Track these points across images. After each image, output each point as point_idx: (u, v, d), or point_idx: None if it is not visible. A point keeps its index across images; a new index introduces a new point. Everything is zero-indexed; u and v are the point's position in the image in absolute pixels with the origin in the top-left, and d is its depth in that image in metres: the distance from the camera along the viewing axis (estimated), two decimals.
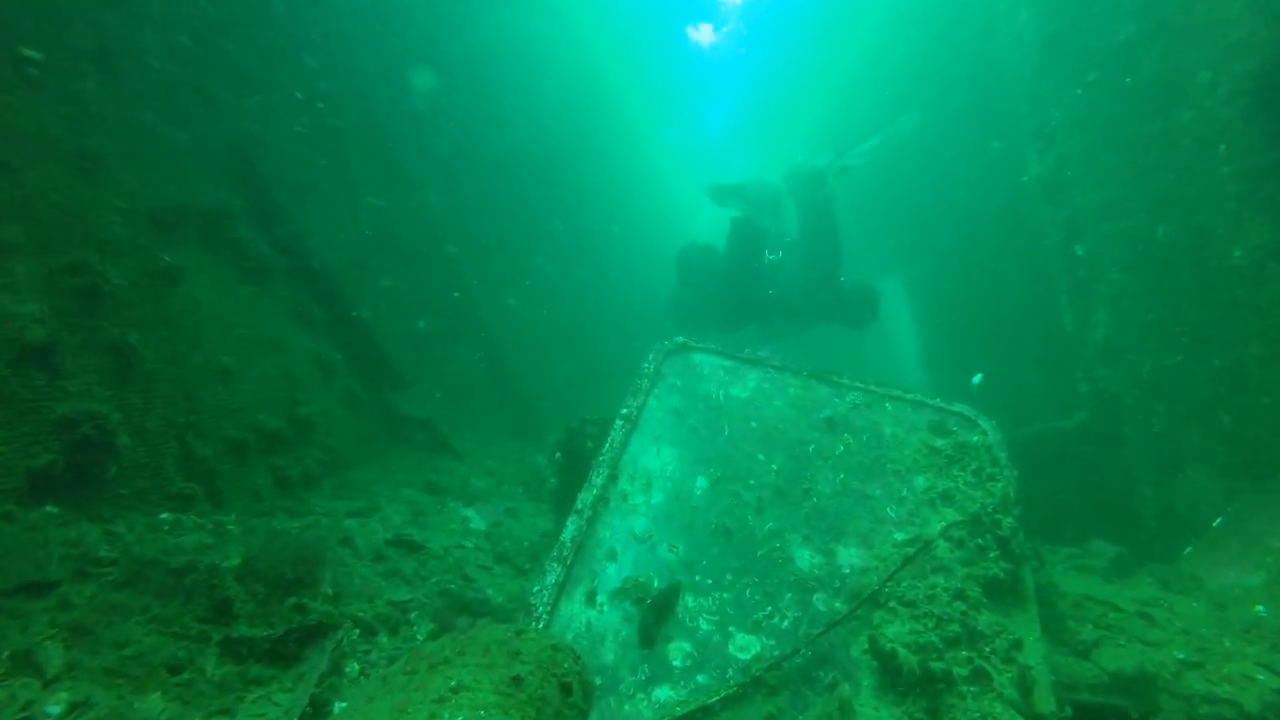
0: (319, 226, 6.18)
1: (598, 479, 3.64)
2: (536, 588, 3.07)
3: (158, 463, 3.48)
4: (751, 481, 3.74)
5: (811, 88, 15.74)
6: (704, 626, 3.03)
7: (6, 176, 3.31)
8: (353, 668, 2.68)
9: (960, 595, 2.99)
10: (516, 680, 1.40)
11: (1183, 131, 4.51)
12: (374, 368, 6.60)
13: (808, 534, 3.47)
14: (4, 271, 3.15)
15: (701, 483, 3.73)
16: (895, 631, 2.91)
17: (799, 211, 8.48)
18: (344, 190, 7.05)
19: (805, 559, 3.36)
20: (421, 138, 9.05)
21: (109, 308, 3.46)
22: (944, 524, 3.47)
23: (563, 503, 5.02)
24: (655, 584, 3.17)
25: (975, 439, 3.91)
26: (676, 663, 2.87)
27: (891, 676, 2.75)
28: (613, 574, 3.21)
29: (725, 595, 3.17)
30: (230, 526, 3.52)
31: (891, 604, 3.06)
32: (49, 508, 2.90)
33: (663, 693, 2.76)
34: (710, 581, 3.22)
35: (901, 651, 2.75)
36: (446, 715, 1.28)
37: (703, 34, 24.41)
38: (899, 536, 3.46)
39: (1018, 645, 2.88)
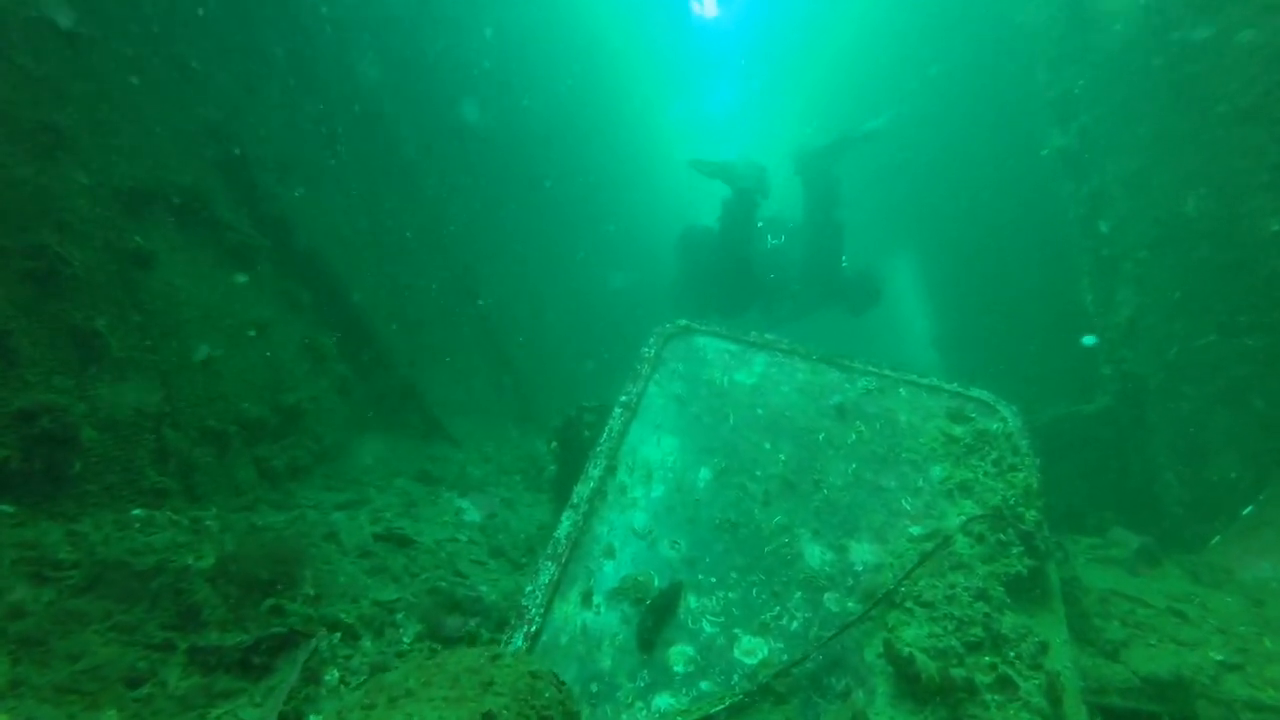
0: (306, 206, 5.98)
1: (595, 471, 3.47)
2: (529, 588, 2.91)
3: (129, 456, 3.33)
4: (758, 473, 3.57)
5: (819, 55, 15.38)
6: (707, 629, 2.87)
7: None
8: (332, 676, 2.53)
9: (982, 595, 2.82)
10: (489, 717, 1.23)
11: (1218, 98, 4.27)
12: (367, 352, 6.43)
13: (818, 528, 3.31)
14: None
15: (705, 474, 3.56)
16: (912, 634, 2.74)
17: (804, 192, 8.35)
18: (333, 169, 6.85)
19: (815, 555, 3.19)
20: (416, 113, 8.82)
21: (71, 292, 3.29)
22: (963, 518, 3.30)
23: (561, 492, 4.87)
24: (655, 583, 3.02)
25: (995, 426, 3.73)
26: (678, 668, 2.72)
27: (909, 684, 2.58)
28: (610, 572, 3.06)
29: (730, 595, 3.01)
30: (208, 523, 3.37)
31: (908, 604, 2.89)
32: (4, 506, 2.75)
33: (663, 701, 2.61)
34: (714, 580, 3.06)
35: (920, 657, 2.59)
36: None
37: (707, 6, 23.90)
38: (915, 531, 3.30)
39: (1044, 648, 2.72)
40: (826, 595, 3.02)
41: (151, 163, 4.17)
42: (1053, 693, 2.45)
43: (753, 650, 2.81)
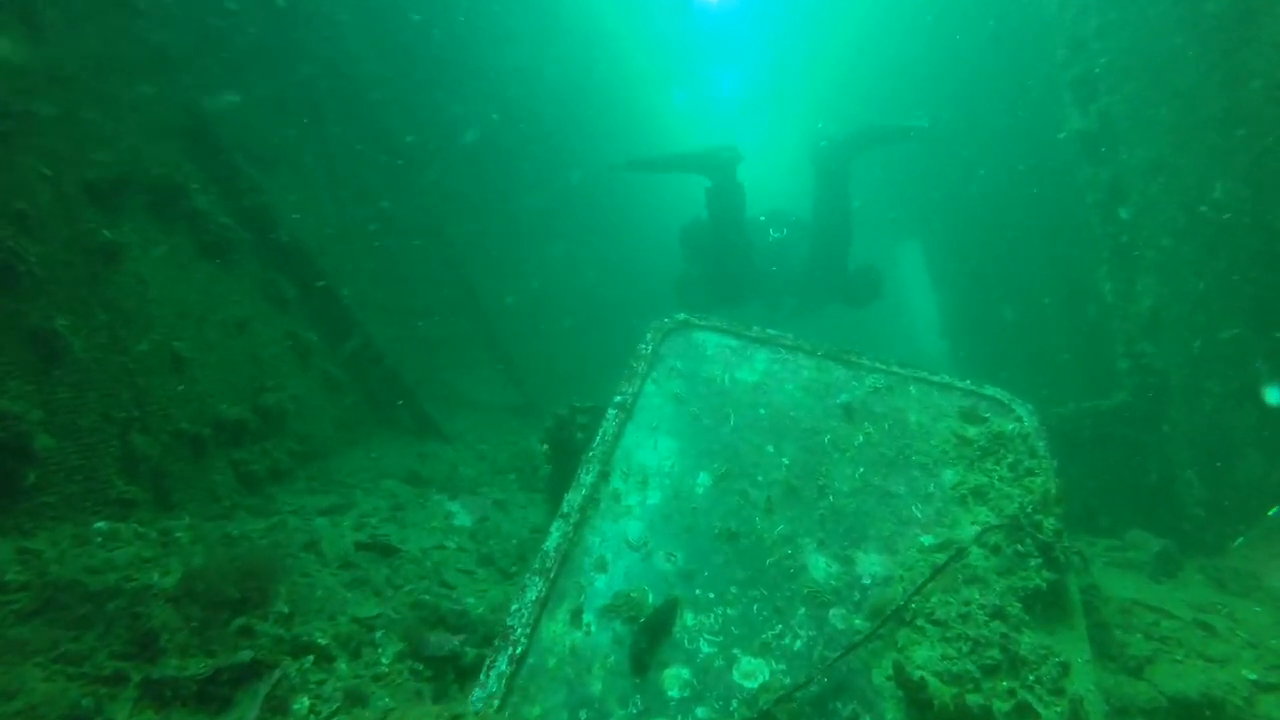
0: (292, 197, 5.82)
1: (587, 477, 3.32)
2: (515, 605, 2.76)
3: (93, 465, 3.18)
4: (760, 478, 3.40)
5: (827, 38, 15.10)
6: (705, 649, 2.72)
7: None
8: (302, 704, 2.39)
9: (999, 613, 2.66)
10: None
11: (1252, 73, 4.06)
12: (357, 348, 6.27)
13: (823, 538, 3.14)
14: None
15: (704, 480, 3.39)
16: (924, 656, 2.59)
17: (816, 184, 8.16)
18: (322, 159, 6.67)
19: (820, 567, 3.04)
20: (410, 100, 8.63)
21: (29, 289, 3.13)
22: (976, 526, 3.13)
23: (555, 494, 4.72)
24: (650, 599, 2.86)
25: (1010, 427, 3.56)
26: (673, 693, 2.57)
27: (920, 710, 2.43)
28: (602, 587, 2.90)
29: (729, 611, 2.85)
30: (179, 534, 3.22)
31: (919, 621, 2.73)
32: None
33: None
34: (712, 595, 2.90)
35: (932, 682, 2.43)
36: None
37: None
38: (926, 541, 3.13)
39: (1065, 670, 2.56)
40: (832, 611, 2.87)
41: (122, 151, 4.00)
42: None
43: (753, 672, 2.65)
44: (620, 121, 15.32)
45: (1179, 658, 2.99)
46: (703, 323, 4.19)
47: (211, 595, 2.63)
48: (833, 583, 2.97)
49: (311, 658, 2.63)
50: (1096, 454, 5.36)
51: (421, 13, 8.74)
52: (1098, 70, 4.87)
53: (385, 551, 3.75)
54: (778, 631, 2.77)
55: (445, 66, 9.24)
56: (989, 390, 3.87)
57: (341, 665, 2.69)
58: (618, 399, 3.71)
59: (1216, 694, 2.72)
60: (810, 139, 8.36)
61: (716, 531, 3.14)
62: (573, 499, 3.21)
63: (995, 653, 2.52)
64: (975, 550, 2.93)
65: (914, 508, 3.30)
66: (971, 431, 3.57)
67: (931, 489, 3.38)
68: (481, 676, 2.55)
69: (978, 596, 2.74)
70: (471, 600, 3.56)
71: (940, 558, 2.98)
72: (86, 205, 3.59)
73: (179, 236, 4.31)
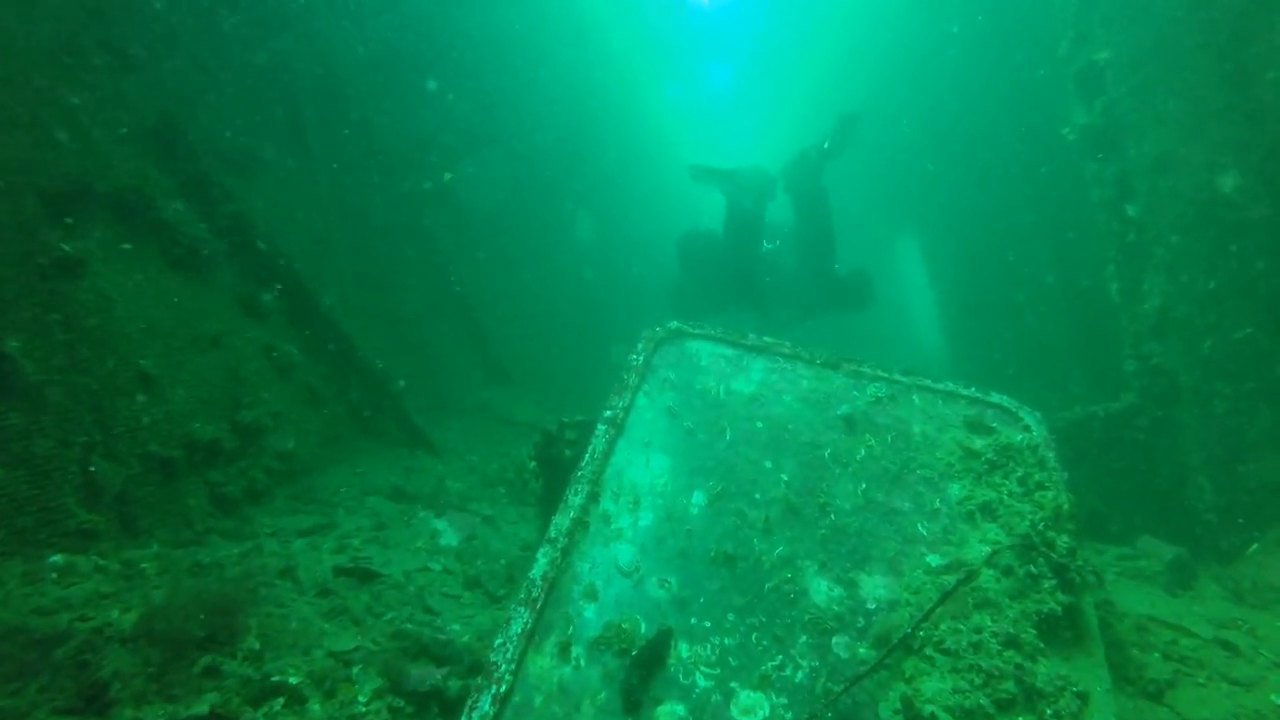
0: (270, 204, 5.66)
1: (575, 499, 3.18)
2: (499, 640, 2.63)
3: (48, 494, 3.04)
4: (758, 496, 3.27)
5: (821, 32, 14.98)
6: (701, 683, 2.58)
7: None
8: None
9: (1012, 641, 2.53)
10: None
11: (1265, 65, 3.94)
12: (339, 359, 6.12)
13: (825, 560, 3.01)
14: None
15: (699, 499, 3.26)
16: (934, 688, 2.45)
17: (793, 199, 8.43)
18: (301, 163, 6.51)
19: (822, 591, 2.90)
20: (391, 99, 8.46)
21: None
22: (986, 545, 3.01)
23: (547, 509, 4.58)
24: (642, 629, 2.73)
25: (1019, 438, 3.42)
26: None
27: None
28: (592, 617, 2.77)
29: (727, 641, 2.72)
30: (144, 565, 3.08)
31: (928, 650, 2.60)
32: None
33: None
34: (709, 624, 2.77)
35: (944, 718, 2.29)
36: None
37: None
38: (933, 561, 3.01)
39: (1084, 701, 2.43)
40: (835, 639, 2.74)
41: (83, 160, 3.84)
42: None
43: (752, 708, 2.52)
44: (611, 117, 15.17)
45: (1201, 681, 2.87)
46: (696, 331, 4.05)
47: (174, 634, 2.49)
48: (835, 608, 2.84)
49: (281, 700, 2.48)
50: (1104, 458, 5.24)
51: (403, 12, 8.58)
52: (1103, 63, 4.75)
53: (366, 577, 3.61)
54: (778, 662, 2.64)
55: (430, 65, 9.09)
56: (995, 398, 3.74)
57: (314, 706, 2.55)
58: (607, 413, 3.58)
59: None
60: (785, 160, 8.57)
61: (712, 555, 3.01)
62: (560, 522, 3.08)
63: (1010, 685, 2.39)
64: (985, 572, 2.79)
65: (919, 525, 3.17)
66: (978, 443, 3.44)
67: (937, 505, 3.25)
68: (463, 718, 2.42)
69: (989, 623, 2.61)
70: (457, 627, 3.42)
71: (948, 580, 2.85)
72: (43, 217, 3.44)
73: (147, 248, 4.16)
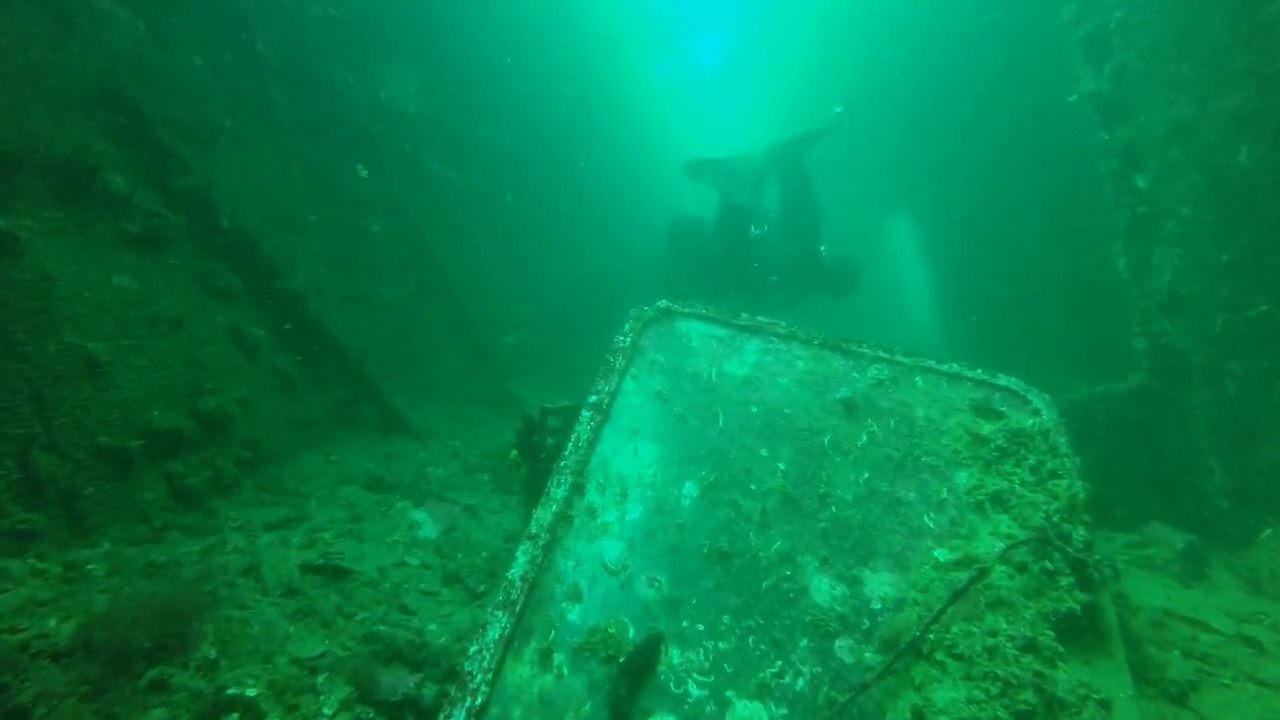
0: (233, 178, 5.37)
1: (558, 490, 2.99)
2: (475, 647, 2.43)
3: None
4: (753, 486, 3.09)
5: (811, 3, 14.64)
6: (694, 691, 2.41)
7: None
8: None
9: (1030, 646, 2.36)
10: None
11: None
12: (312, 342, 5.87)
13: (826, 556, 2.84)
14: None
15: (690, 490, 3.07)
16: (946, 698, 2.29)
17: (778, 185, 8.70)
18: (269, 134, 6.21)
19: (824, 590, 2.73)
20: (369, 69, 8.13)
21: None
22: (998, 538, 2.85)
23: (532, 498, 4.40)
24: (630, 634, 2.55)
25: (1029, 422, 3.25)
26: None
27: None
28: (576, 620, 2.58)
29: (722, 645, 2.54)
30: (91, 566, 2.87)
31: (938, 655, 2.43)
32: None
33: None
34: (702, 627, 2.59)
35: None
36: None
37: None
38: (941, 556, 2.84)
39: (1107, 709, 2.26)
40: (838, 643, 2.57)
41: (20, 129, 3.56)
42: None
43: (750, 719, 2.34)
44: (597, 94, 14.81)
45: (1226, 681, 2.72)
46: (687, 310, 3.85)
47: (118, 644, 2.28)
48: (838, 608, 2.66)
49: (236, 716, 2.28)
50: (1111, 440, 5.10)
51: None
52: (1112, 25, 4.53)
53: (336, 574, 3.41)
54: (777, 669, 2.46)
55: (407, 34, 8.74)
56: (1003, 380, 3.57)
57: None
58: (593, 399, 3.38)
59: None
60: (768, 147, 8.84)
61: (705, 551, 2.83)
62: (541, 517, 2.89)
63: (1029, 695, 2.22)
64: (998, 569, 2.62)
65: (926, 517, 3.00)
66: (986, 428, 3.26)
67: (945, 494, 3.08)
68: None
69: (1005, 625, 2.44)
70: (434, 627, 3.24)
71: (959, 576, 2.68)
72: None
73: (97, 224, 3.89)
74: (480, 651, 2.41)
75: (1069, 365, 7.38)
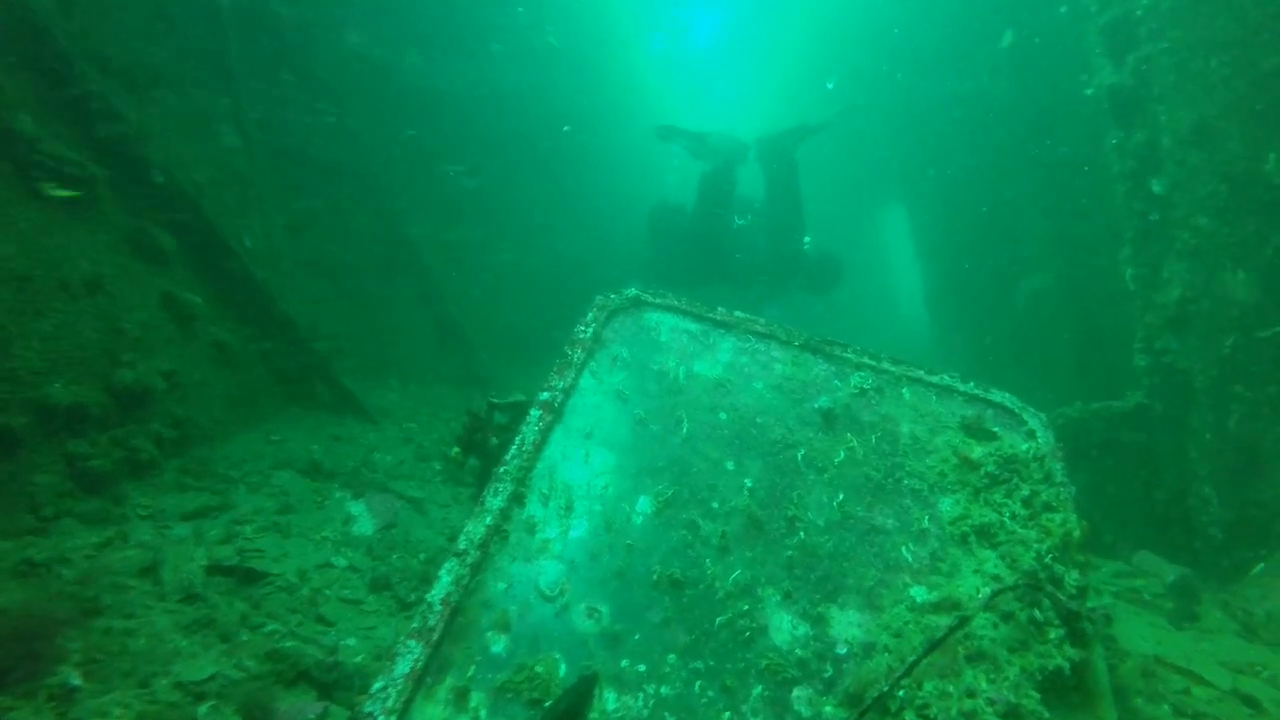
0: (174, 130, 4.97)
1: (494, 500, 2.71)
2: (379, 684, 2.14)
3: None
4: (715, 505, 2.81)
5: None
6: None
7: None
8: None
9: (1012, 714, 2.09)
10: None
11: None
12: (257, 311, 5.50)
13: (790, 589, 2.58)
14: None
15: (644, 506, 2.79)
16: None
17: (765, 177, 8.74)
18: (221, 83, 5.79)
19: (785, 629, 2.47)
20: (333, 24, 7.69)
21: None
22: (981, 577, 2.60)
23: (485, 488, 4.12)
24: (561, 672, 2.28)
25: (1024, 447, 2.99)
26: None
27: None
28: (501, 654, 2.31)
29: (664, 690, 2.28)
30: None
31: (907, 715, 2.16)
32: None
33: None
34: (644, 668, 2.32)
35: None
36: None
37: None
38: (919, 595, 2.59)
39: None
40: (796, 692, 2.32)
41: None
42: None
43: None
44: (591, 68, 14.32)
45: None
46: (658, 300, 3.54)
47: None
48: (799, 651, 2.40)
49: None
50: (1105, 461, 4.88)
51: None
52: (1140, 12, 4.23)
53: (249, 577, 3.11)
54: None
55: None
56: (996, 396, 3.32)
57: None
58: (544, 395, 3.08)
59: None
60: (757, 139, 8.88)
61: (655, 578, 2.55)
62: (473, 531, 2.60)
63: None
64: (980, 616, 2.36)
65: (904, 548, 2.75)
66: (977, 451, 3.00)
67: (926, 523, 2.82)
68: None
69: (985, 685, 2.19)
70: (352, 642, 2.95)
71: (937, 621, 2.43)
72: None
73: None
74: (386, 689, 2.13)
75: (1063, 365, 7.18)
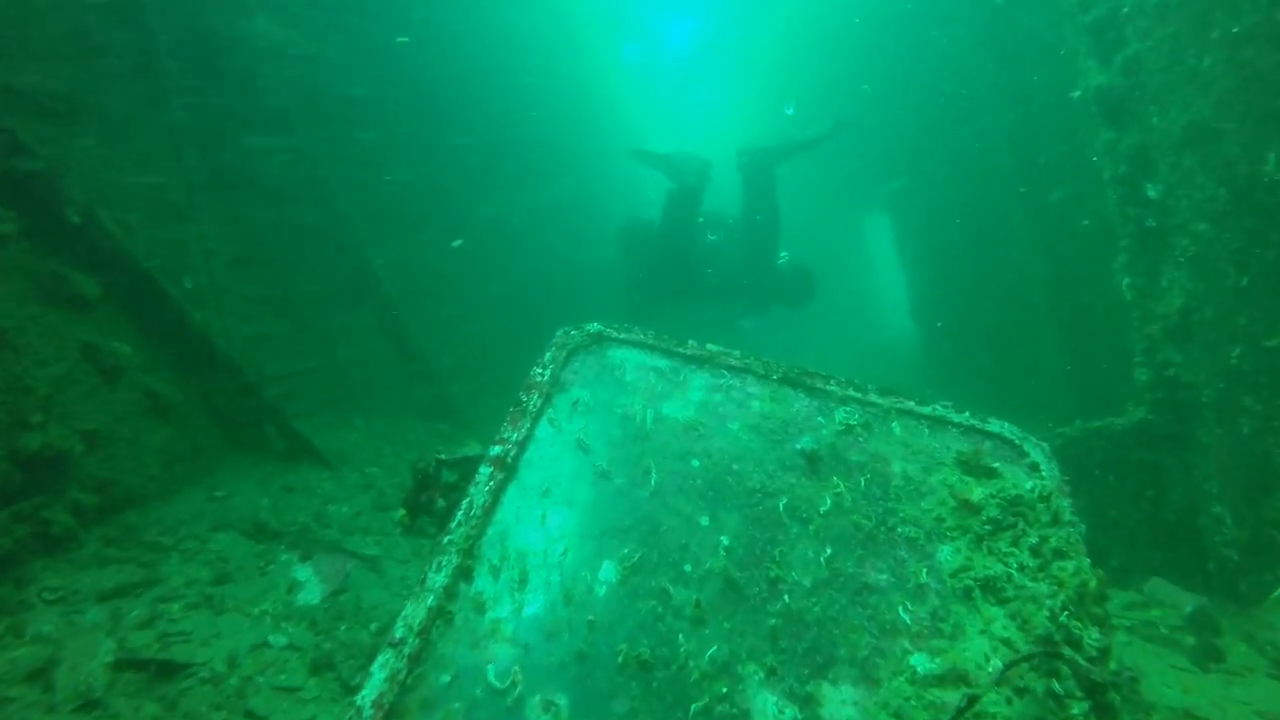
0: (99, 160, 4.69)
1: (438, 577, 2.43)
2: None
3: None
4: (688, 568, 2.55)
5: None
6: None
7: None
8: None
9: None
10: None
11: None
12: (197, 356, 5.20)
13: (774, 664, 2.32)
14: None
15: (608, 573, 2.53)
16: None
17: (743, 190, 8.82)
18: (153, 108, 5.50)
19: (770, 713, 2.22)
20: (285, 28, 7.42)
21: None
22: (990, 639, 2.36)
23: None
24: None
25: (1029, 486, 2.75)
26: None
27: None
28: None
29: None
30: None
31: None
32: None
33: None
34: None
35: None
36: None
37: None
38: (919, 664, 2.34)
39: None
40: None
41: None
42: None
43: None
44: (562, 79, 14.16)
45: None
46: (623, 336, 3.30)
47: None
48: None
49: None
50: (1109, 481, 4.68)
51: None
52: (1126, 9, 4.08)
53: (165, 670, 2.80)
54: None
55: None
56: (994, 426, 3.10)
57: None
58: (495, 450, 2.83)
59: None
60: (738, 150, 8.93)
61: (621, 659, 2.29)
62: (412, 615, 2.33)
63: None
64: (993, 694, 2.11)
65: (901, 608, 2.50)
66: (977, 492, 2.76)
67: (924, 577, 2.58)
68: None
69: None
70: None
71: (941, 696, 2.18)
72: None
73: None
74: None
75: (1052, 374, 7.01)
